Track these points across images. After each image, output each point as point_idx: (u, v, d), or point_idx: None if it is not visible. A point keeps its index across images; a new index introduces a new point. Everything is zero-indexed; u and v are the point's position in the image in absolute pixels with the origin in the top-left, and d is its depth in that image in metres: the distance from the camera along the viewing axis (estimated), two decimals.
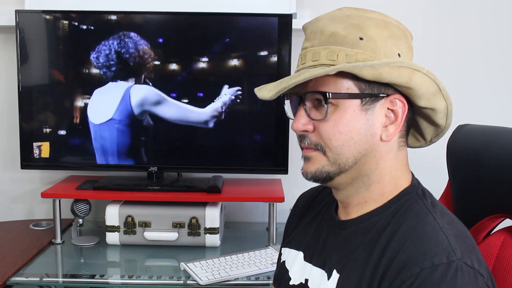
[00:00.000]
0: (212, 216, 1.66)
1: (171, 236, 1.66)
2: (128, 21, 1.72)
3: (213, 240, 1.67)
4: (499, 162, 0.91)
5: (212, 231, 1.66)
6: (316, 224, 0.94)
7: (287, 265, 0.94)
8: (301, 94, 0.80)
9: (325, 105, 0.77)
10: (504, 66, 1.92)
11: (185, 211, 1.66)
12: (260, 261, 1.54)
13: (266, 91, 0.82)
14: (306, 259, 0.90)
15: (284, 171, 1.76)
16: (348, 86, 0.77)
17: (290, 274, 0.92)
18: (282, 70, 1.71)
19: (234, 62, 1.73)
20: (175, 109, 1.71)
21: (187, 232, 1.66)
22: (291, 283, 0.91)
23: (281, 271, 0.95)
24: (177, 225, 1.66)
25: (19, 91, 1.73)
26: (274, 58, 1.72)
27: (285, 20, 1.69)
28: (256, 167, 1.80)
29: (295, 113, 0.83)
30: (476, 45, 1.91)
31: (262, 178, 1.90)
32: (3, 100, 1.94)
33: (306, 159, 0.82)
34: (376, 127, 0.79)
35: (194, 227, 1.66)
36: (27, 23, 1.71)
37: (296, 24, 1.75)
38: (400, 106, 0.79)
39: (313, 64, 0.78)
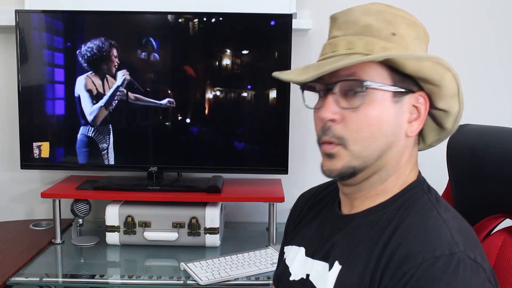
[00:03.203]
0: (212, 216, 1.66)
1: (171, 236, 1.66)
2: (127, 20, 1.73)
3: (213, 240, 1.67)
4: (499, 162, 0.91)
5: (212, 231, 1.66)
6: (319, 221, 0.93)
7: (287, 262, 0.94)
8: (330, 82, 0.79)
9: (361, 93, 0.76)
10: (504, 66, 1.92)
11: (185, 211, 1.66)
12: (260, 261, 1.54)
13: (294, 75, 0.80)
14: (308, 254, 0.90)
15: (284, 171, 1.76)
16: (383, 77, 0.77)
17: (291, 270, 0.92)
18: (282, 70, 1.70)
19: (233, 62, 1.73)
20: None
21: (187, 232, 1.66)
22: (291, 278, 0.90)
23: (282, 268, 0.95)
24: (177, 225, 1.66)
25: (19, 91, 1.73)
26: (274, 58, 1.72)
27: (285, 20, 1.69)
28: (256, 167, 1.80)
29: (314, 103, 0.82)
30: (475, 45, 1.91)
31: (262, 178, 1.90)
32: (3, 100, 1.94)
33: (329, 156, 0.80)
34: (403, 121, 0.79)
35: (194, 227, 1.66)
36: (27, 23, 1.71)
37: (296, 24, 1.75)
38: (423, 103, 0.80)
39: (348, 52, 0.77)
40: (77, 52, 1.69)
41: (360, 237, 0.80)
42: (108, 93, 1.62)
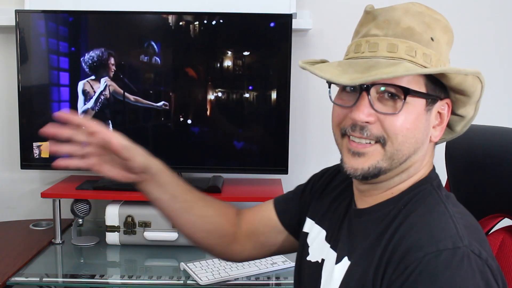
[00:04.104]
0: None
1: (171, 236, 1.66)
2: (126, 20, 1.73)
3: None
4: (498, 162, 0.91)
5: None
6: (335, 207, 0.93)
7: (309, 240, 0.94)
8: (366, 83, 0.76)
9: (403, 100, 0.75)
10: (504, 66, 1.92)
11: None
12: (260, 261, 1.53)
13: (330, 74, 0.75)
14: (327, 239, 0.90)
15: (284, 171, 1.76)
16: (420, 85, 0.77)
17: (310, 250, 0.93)
18: (282, 71, 1.71)
19: (233, 63, 1.73)
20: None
21: None
22: (308, 258, 0.92)
23: (302, 243, 0.96)
24: None
25: (19, 91, 1.73)
26: (274, 59, 1.72)
27: (285, 20, 1.69)
28: (256, 167, 1.80)
29: (340, 99, 0.81)
30: (475, 45, 1.91)
31: (262, 178, 1.90)
32: (3, 100, 1.94)
33: (358, 154, 0.78)
34: (430, 127, 0.80)
35: None
36: (27, 23, 1.71)
37: (296, 24, 1.75)
38: (447, 110, 0.81)
39: (390, 55, 0.76)
40: (81, 59, 1.70)
41: (368, 233, 0.80)
42: (94, 96, 1.67)
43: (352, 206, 0.88)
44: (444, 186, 1.06)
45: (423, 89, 0.77)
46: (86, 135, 0.88)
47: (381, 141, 0.77)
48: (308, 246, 0.94)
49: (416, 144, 0.78)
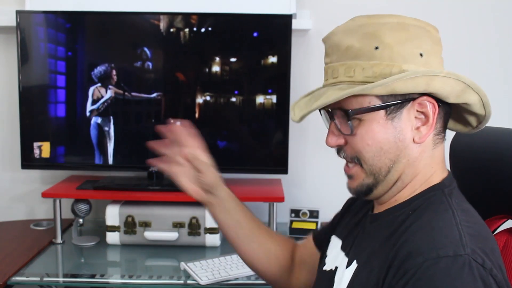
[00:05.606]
0: None
1: (171, 236, 1.66)
2: (125, 21, 1.74)
3: (213, 240, 1.67)
4: (502, 163, 0.91)
5: (212, 231, 1.67)
6: (355, 218, 0.95)
7: (328, 251, 0.97)
8: (331, 109, 0.81)
9: (349, 122, 0.77)
10: (505, 66, 1.92)
11: (185, 211, 1.67)
12: None
13: (298, 109, 0.84)
14: (342, 247, 0.92)
15: (284, 171, 1.76)
16: (370, 100, 0.76)
17: (326, 259, 0.94)
18: (282, 71, 1.71)
19: (234, 63, 1.73)
20: None
21: (187, 232, 1.67)
22: (324, 268, 0.93)
23: (322, 254, 0.99)
24: (177, 225, 1.66)
25: (19, 91, 1.73)
26: (274, 59, 1.72)
27: (285, 20, 1.70)
28: (256, 167, 1.80)
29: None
30: (476, 45, 1.91)
31: (262, 178, 1.90)
32: (4, 100, 1.95)
33: (348, 177, 0.84)
34: (406, 132, 0.78)
35: (194, 227, 1.66)
36: (27, 23, 1.72)
37: (296, 24, 1.75)
38: (430, 107, 0.77)
39: (333, 81, 0.79)
40: (91, 73, 1.75)
41: (377, 237, 0.81)
42: (101, 100, 1.77)
43: (369, 213, 0.90)
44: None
45: (374, 102, 0.76)
46: (179, 146, 1.01)
47: (356, 161, 0.81)
48: (325, 257, 0.95)
49: (389, 155, 0.78)
